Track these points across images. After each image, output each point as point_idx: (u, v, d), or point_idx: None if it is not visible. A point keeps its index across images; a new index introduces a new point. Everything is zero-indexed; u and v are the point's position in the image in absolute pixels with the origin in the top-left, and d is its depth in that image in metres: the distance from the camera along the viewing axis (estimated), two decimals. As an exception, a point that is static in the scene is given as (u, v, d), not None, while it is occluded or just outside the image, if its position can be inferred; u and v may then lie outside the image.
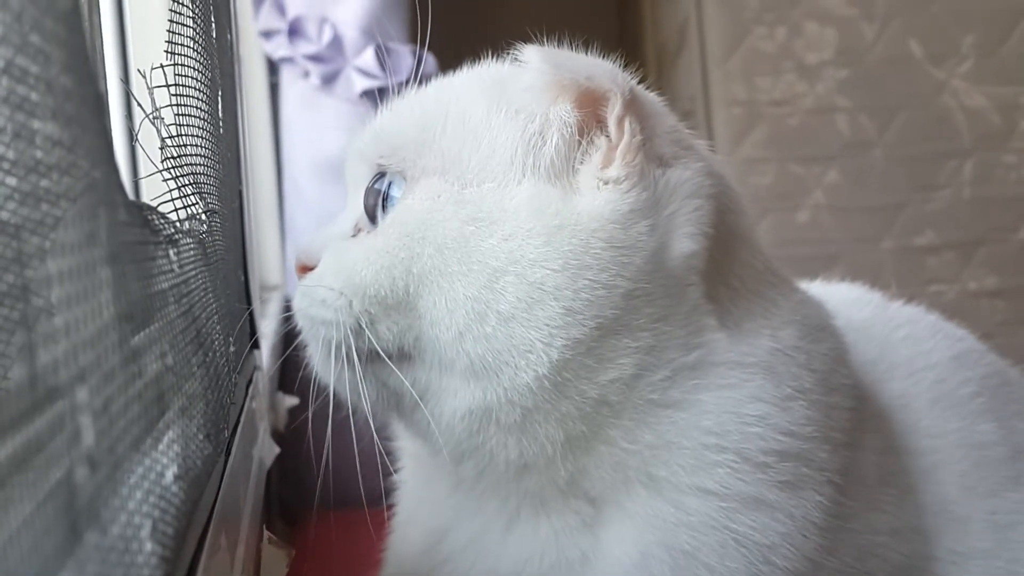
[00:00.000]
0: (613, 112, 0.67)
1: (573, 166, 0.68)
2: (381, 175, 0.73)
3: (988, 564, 0.81)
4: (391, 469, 0.85)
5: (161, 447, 0.47)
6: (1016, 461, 0.87)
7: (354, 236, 0.74)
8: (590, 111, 0.68)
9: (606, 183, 0.67)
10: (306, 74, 1.65)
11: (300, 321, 0.73)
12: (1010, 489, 0.85)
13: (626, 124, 0.67)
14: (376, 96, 1.59)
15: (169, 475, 0.47)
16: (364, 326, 0.68)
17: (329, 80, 1.62)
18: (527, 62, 0.69)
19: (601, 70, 0.68)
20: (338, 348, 0.68)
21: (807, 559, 0.69)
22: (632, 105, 0.68)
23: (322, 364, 0.72)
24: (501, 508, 0.72)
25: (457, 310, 0.65)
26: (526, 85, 0.69)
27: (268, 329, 1.35)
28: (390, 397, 0.71)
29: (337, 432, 0.74)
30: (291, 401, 1.37)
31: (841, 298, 0.92)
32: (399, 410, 0.72)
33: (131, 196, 0.50)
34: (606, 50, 0.72)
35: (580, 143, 0.68)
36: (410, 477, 0.85)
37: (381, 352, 0.68)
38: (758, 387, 0.69)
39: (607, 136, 0.68)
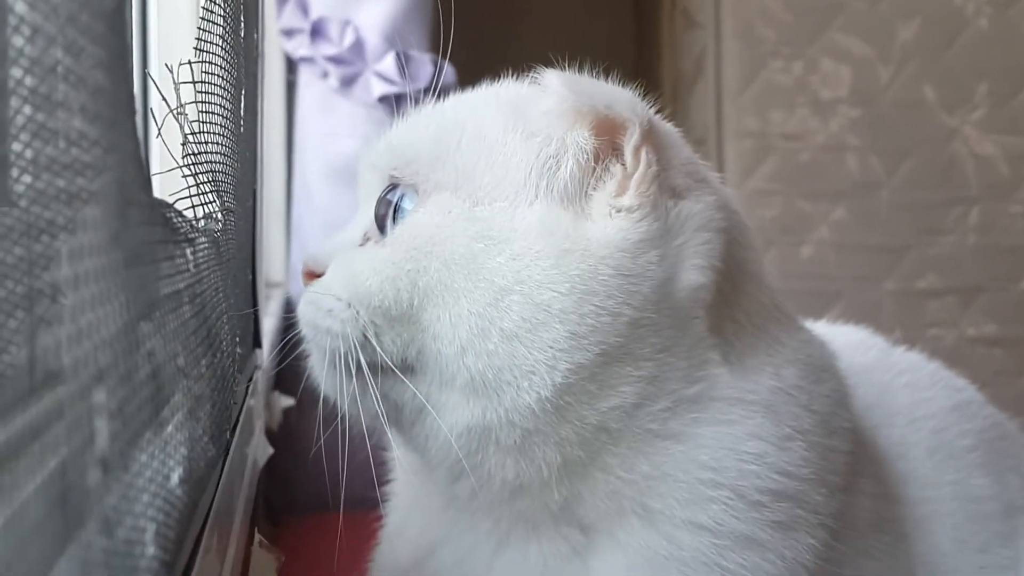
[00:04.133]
0: (631, 141, 0.67)
1: (587, 191, 0.68)
2: (393, 186, 0.73)
3: (975, 618, 0.81)
4: (383, 479, 0.85)
5: (168, 449, 0.47)
6: (1009, 517, 0.87)
7: (362, 245, 0.74)
8: (607, 139, 0.68)
9: (619, 211, 0.67)
10: (325, 75, 1.64)
11: (305, 329, 0.73)
12: (1001, 545, 0.85)
13: (643, 154, 0.67)
14: (393, 102, 1.59)
15: (175, 478, 0.47)
16: (370, 338, 0.68)
17: (348, 83, 1.62)
18: (548, 87, 0.69)
19: (621, 99, 0.68)
20: (343, 359, 0.68)
21: None
22: (650, 135, 0.68)
23: (323, 374, 0.72)
24: (492, 529, 0.72)
25: (461, 325, 0.65)
26: (545, 109, 0.69)
27: (269, 327, 1.35)
28: (390, 410, 0.70)
29: (329, 435, 0.74)
30: (287, 402, 1.37)
31: (844, 340, 0.92)
32: (398, 423, 0.71)
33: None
34: (623, 75, 0.72)
35: (595, 169, 0.68)
36: (402, 489, 0.85)
37: (388, 363, 0.67)
38: (757, 425, 0.69)
39: (622, 164, 0.68)
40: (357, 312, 0.68)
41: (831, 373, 0.78)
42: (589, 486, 0.68)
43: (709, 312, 0.69)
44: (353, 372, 0.68)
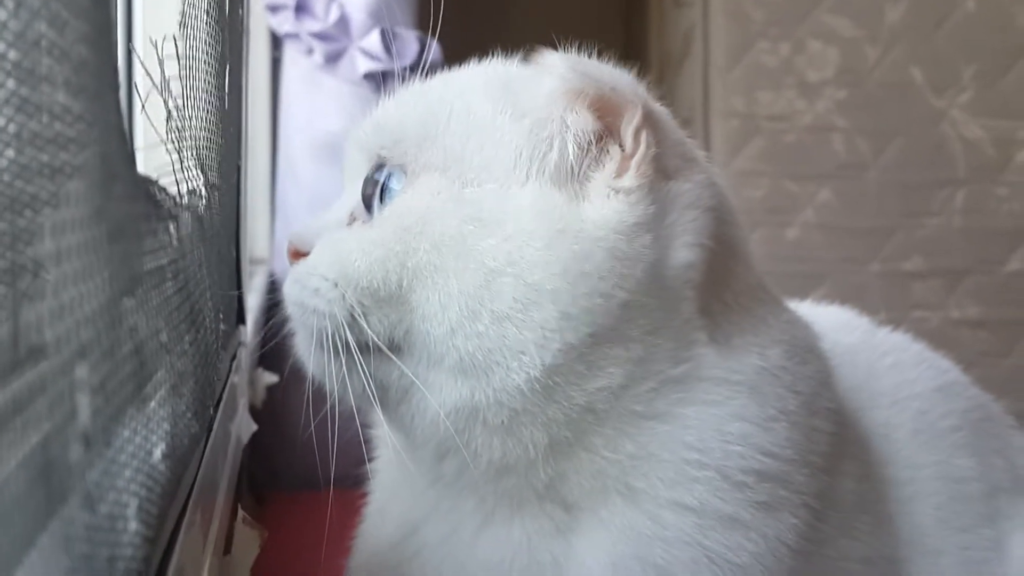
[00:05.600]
0: (631, 123, 0.67)
1: (584, 173, 0.68)
2: (380, 166, 0.73)
3: (956, 598, 0.81)
4: (368, 456, 0.85)
5: (151, 425, 0.47)
6: (992, 498, 0.87)
7: (349, 225, 0.74)
8: (609, 120, 0.68)
9: (617, 192, 0.66)
10: (310, 51, 1.63)
11: (290, 308, 0.72)
12: (984, 525, 0.85)
13: (643, 136, 0.67)
14: (379, 79, 1.59)
15: (157, 453, 0.47)
16: (357, 318, 0.67)
17: (333, 59, 1.61)
18: (550, 67, 0.69)
19: (625, 81, 0.68)
20: (331, 338, 0.68)
21: None
22: (648, 117, 0.68)
23: (309, 353, 0.71)
24: (477, 507, 0.72)
25: (450, 306, 0.65)
26: (546, 90, 0.69)
27: (252, 303, 1.35)
28: (376, 389, 0.70)
29: (315, 413, 0.74)
30: (270, 378, 1.36)
31: (829, 321, 0.92)
32: (384, 403, 0.71)
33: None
34: (609, 53, 0.72)
35: (590, 151, 0.68)
36: (386, 467, 0.84)
37: (376, 342, 0.67)
38: (742, 405, 0.69)
39: (620, 146, 0.68)
40: (344, 292, 0.68)
41: (815, 354, 0.78)
42: (574, 465, 0.68)
43: (699, 292, 0.69)
44: (340, 351, 0.68)
